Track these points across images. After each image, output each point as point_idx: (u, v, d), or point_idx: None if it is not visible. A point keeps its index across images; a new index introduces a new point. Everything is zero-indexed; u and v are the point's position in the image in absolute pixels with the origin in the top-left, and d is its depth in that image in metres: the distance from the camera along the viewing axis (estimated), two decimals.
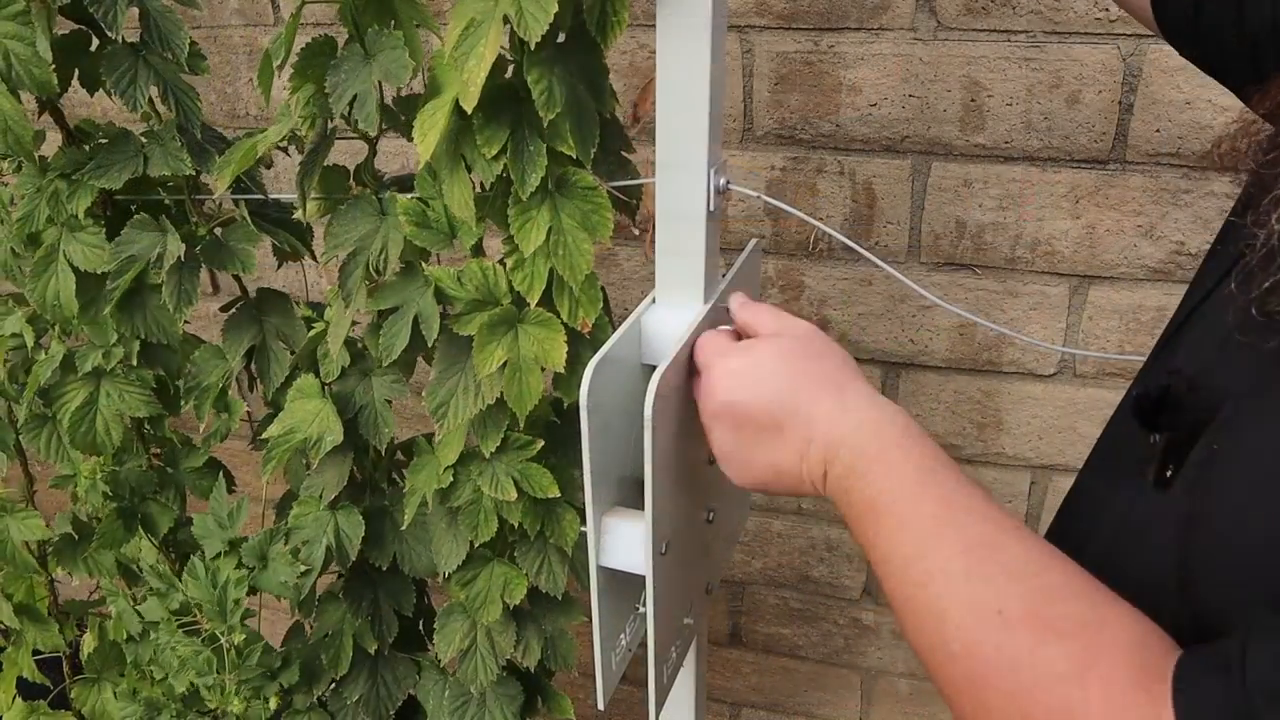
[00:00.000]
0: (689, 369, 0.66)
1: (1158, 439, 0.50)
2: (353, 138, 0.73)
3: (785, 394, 0.58)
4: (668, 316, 0.71)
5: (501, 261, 0.70)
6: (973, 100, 1.12)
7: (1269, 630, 0.38)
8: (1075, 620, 0.43)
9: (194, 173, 0.84)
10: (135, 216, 0.85)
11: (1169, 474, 0.49)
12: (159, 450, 1.05)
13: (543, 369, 0.72)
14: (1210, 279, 0.55)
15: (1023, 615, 0.44)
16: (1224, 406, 0.46)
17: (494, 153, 0.65)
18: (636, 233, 1.30)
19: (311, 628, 0.96)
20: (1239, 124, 0.52)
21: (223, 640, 0.88)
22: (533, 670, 0.89)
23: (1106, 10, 1.05)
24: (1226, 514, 0.43)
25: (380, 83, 0.68)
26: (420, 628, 1.00)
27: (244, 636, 0.88)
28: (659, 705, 0.72)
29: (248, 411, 1.01)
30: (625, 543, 0.68)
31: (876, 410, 0.56)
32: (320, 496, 0.88)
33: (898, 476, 0.52)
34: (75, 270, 0.86)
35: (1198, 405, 0.48)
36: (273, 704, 0.92)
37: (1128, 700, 0.40)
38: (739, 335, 0.67)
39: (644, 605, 0.70)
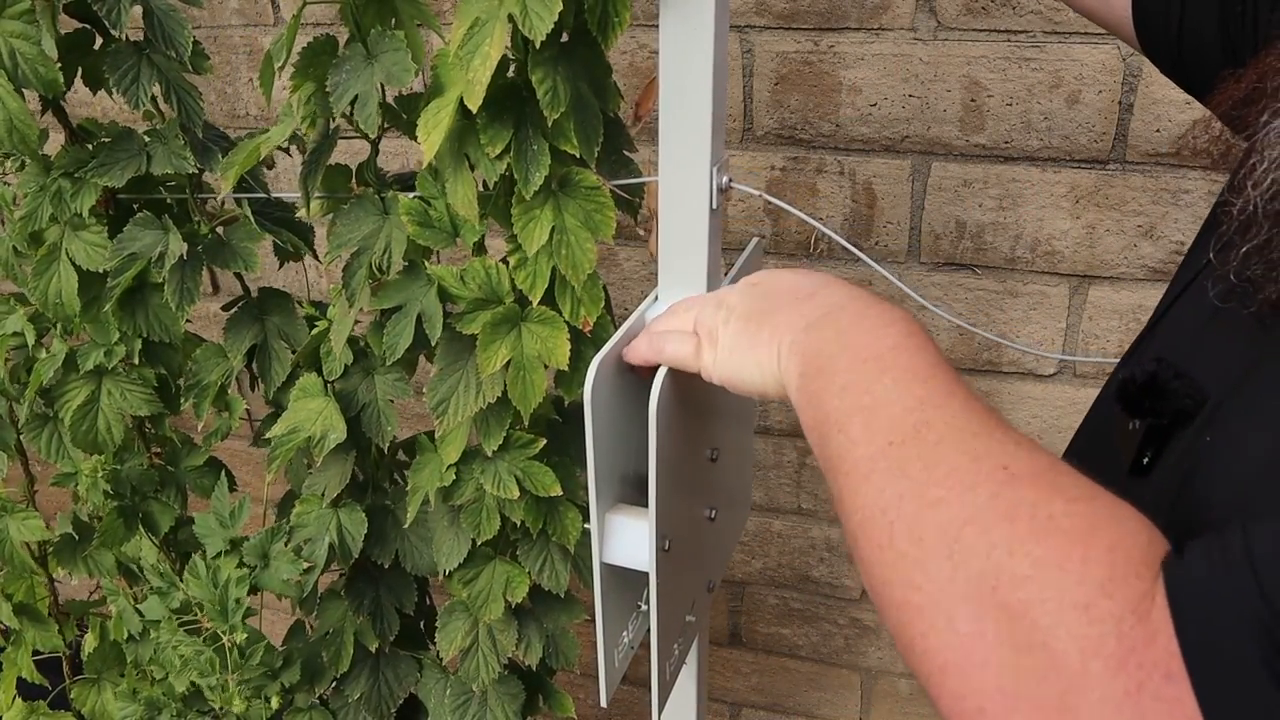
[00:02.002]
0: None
1: (1137, 425, 0.50)
2: (355, 137, 0.73)
3: (817, 278, 0.60)
4: None
5: (504, 260, 0.71)
6: (972, 100, 1.13)
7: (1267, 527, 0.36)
8: (1087, 491, 0.40)
9: (197, 171, 0.84)
10: (137, 215, 0.85)
11: (1146, 460, 0.49)
12: (160, 449, 1.05)
13: (546, 367, 0.72)
14: (1192, 269, 0.56)
15: (1030, 475, 0.41)
16: (1209, 394, 0.46)
17: (498, 151, 0.65)
18: (642, 233, 1.30)
19: (313, 626, 0.96)
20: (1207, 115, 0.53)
21: (224, 639, 0.88)
22: (534, 669, 0.89)
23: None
24: (1212, 502, 0.43)
25: (382, 84, 0.69)
26: (422, 626, 1.01)
27: (245, 636, 0.88)
28: (662, 701, 0.72)
29: (248, 410, 1.01)
30: (628, 539, 0.68)
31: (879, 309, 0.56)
32: (323, 495, 0.88)
33: (900, 343, 0.51)
34: (77, 269, 0.86)
35: (1181, 393, 0.48)
36: (274, 703, 0.92)
37: (1132, 569, 0.37)
38: None
39: (646, 602, 0.70)
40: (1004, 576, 0.38)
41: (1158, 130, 1.09)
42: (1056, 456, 0.43)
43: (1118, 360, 0.64)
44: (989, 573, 0.39)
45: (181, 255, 0.84)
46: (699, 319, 0.63)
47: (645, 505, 0.65)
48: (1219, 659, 0.34)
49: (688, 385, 0.66)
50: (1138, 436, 0.50)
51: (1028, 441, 0.43)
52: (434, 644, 0.91)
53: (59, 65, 0.78)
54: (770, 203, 0.75)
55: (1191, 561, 0.36)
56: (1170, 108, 1.08)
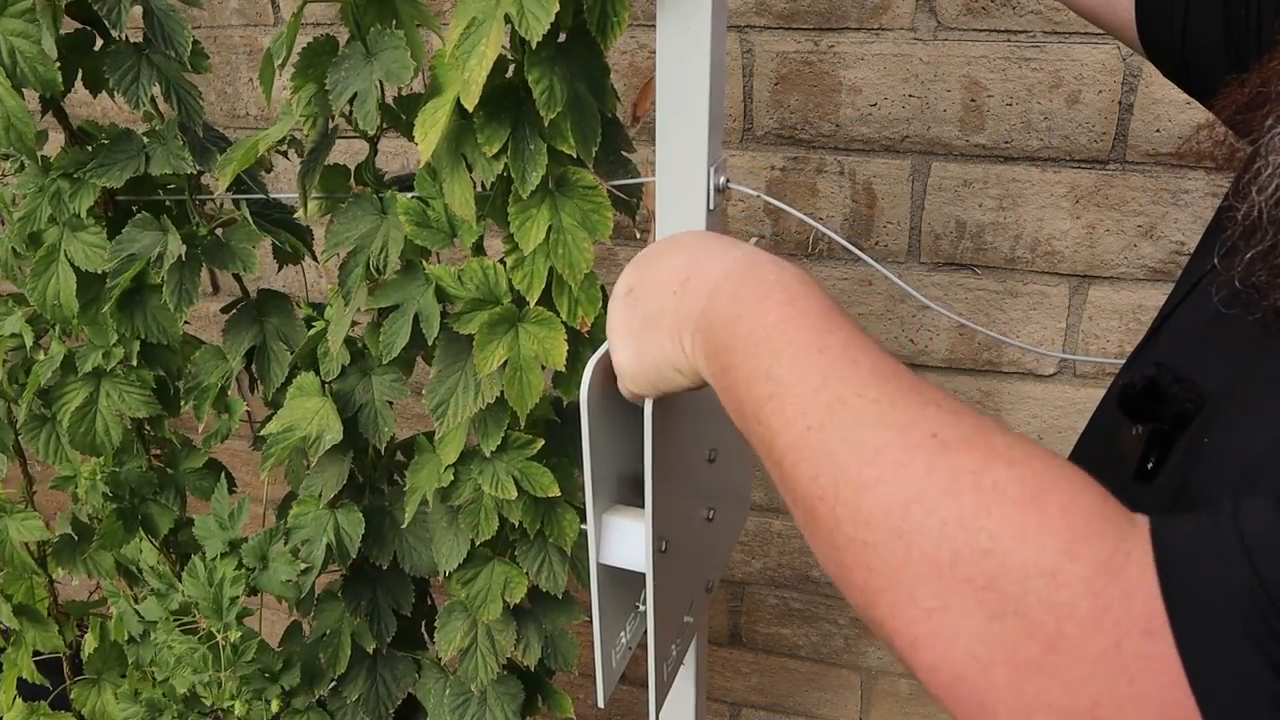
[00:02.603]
0: None
1: (1140, 430, 0.49)
2: (353, 137, 0.73)
3: (686, 256, 0.56)
4: None
5: (502, 260, 0.71)
6: (972, 100, 1.13)
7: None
8: (1024, 451, 0.39)
9: (196, 172, 0.84)
10: (136, 216, 0.85)
11: (1150, 465, 0.49)
12: (159, 451, 1.05)
13: (543, 368, 0.72)
14: (1195, 274, 0.56)
15: (962, 441, 0.39)
16: (1208, 397, 0.46)
17: (495, 151, 0.65)
18: (638, 235, 1.30)
19: (310, 627, 0.96)
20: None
21: (219, 638, 0.88)
22: (533, 669, 0.89)
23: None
24: (1209, 498, 0.43)
25: (381, 82, 0.69)
26: (421, 626, 1.01)
27: (240, 634, 0.88)
28: (659, 703, 0.72)
29: (248, 412, 1.01)
30: (625, 540, 0.68)
31: (764, 257, 0.53)
32: (320, 495, 0.88)
33: (794, 308, 0.48)
34: (76, 270, 0.86)
35: (1182, 397, 0.47)
36: (274, 706, 0.92)
37: (1092, 529, 0.36)
38: None
39: (644, 603, 0.70)
40: (962, 552, 0.37)
41: (1158, 130, 1.08)
42: (977, 413, 0.42)
43: (1118, 360, 0.64)
44: (945, 549, 0.38)
45: (180, 256, 0.84)
46: (611, 350, 0.62)
47: (643, 506, 0.65)
48: (1203, 617, 0.34)
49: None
50: (1141, 442, 0.49)
51: (947, 400, 0.42)
52: (433, 644, 0.91)
53: (58, 65, 0.78)
54: (768, 203, 0.75)
55: (1179, 524, 0.36)
56: (1170, 108, 1.07)
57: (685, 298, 0.54)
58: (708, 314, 0.52)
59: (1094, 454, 0.60)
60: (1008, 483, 0.38)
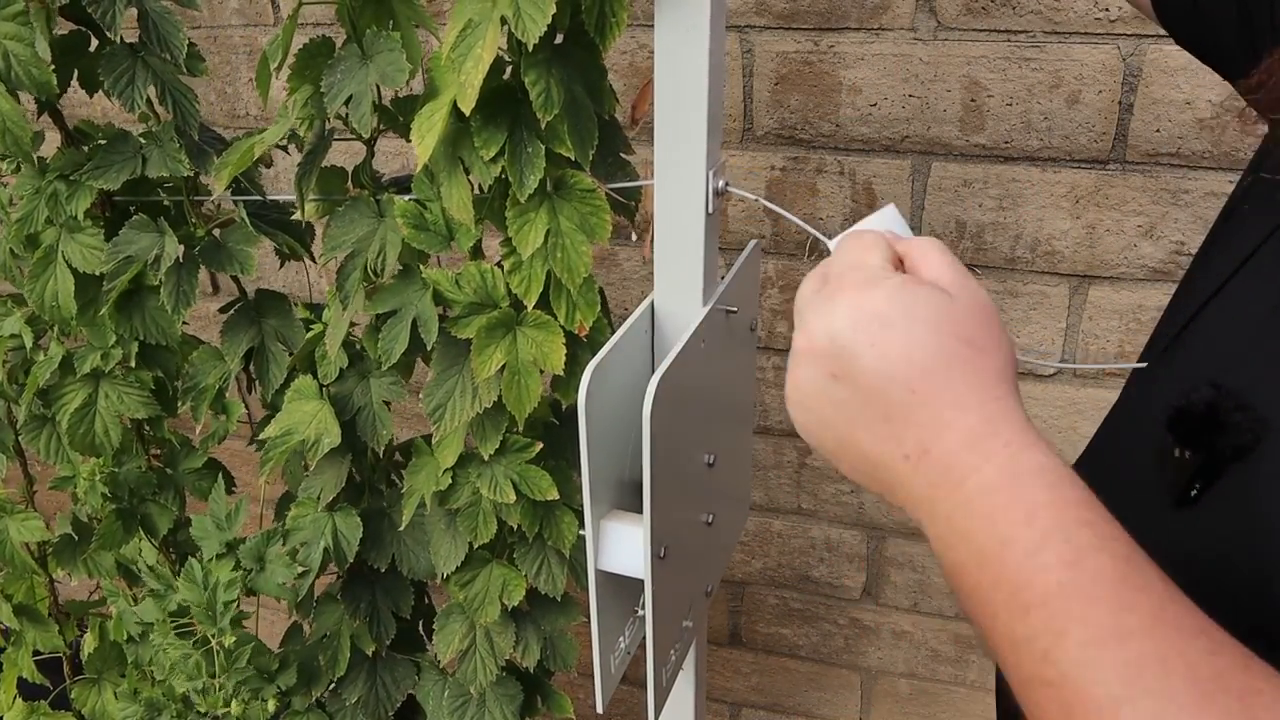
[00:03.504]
0: (688, 371, 0.66)
1: (1187, 455, 0.45)
2: (351, 139, 0.73)
3: (922, 374, 0.42)
4: (666, 319, 0.70)
5: (499, 264, 0.70)
6: (972, 100, 1.12)
7: None
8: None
9: (192, 174, 0.84)
10: (133, 217, 0.85)
11: (1193, 493, 0.45)
12: (158, 451, 1.05)
13: (541, 371, 0.72)
14: (1223, 267, 0.51)
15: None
16: (1272, 426, 0.42)
17: (492, 154, 0.65)
18: (634, 236, 1.30)
19: (310, 628, 0.96)
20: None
21: (213, 643, 0.87)
22: (532, 670, 0.89)
23: (1106, 10, 1.04)
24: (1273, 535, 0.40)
25: (377, 85, 0.68)
26: (420, 628, 1.00)
27: (234, 639, 0.88)
28: (658, 708, 0.72)
29: (247, 410, 1.01)
30: (624, 546, 0.68)
31: (1033, 454, 0.40)
32: (318, 498, 0.87)
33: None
34: (74, 271, 0.86)
35: (1245, 427, 0.43)
36: (271, 706, 0.92)
37: None
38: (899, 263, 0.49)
39: (643, 608, 0.70)
40: None
41: (1158, 130, 1.08)
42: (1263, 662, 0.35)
43: (1125, 366, 0.62)
44: None
45: (177, 258, 0.84)
46: (792, 386, 0.48)
47: (641, 511, 0.65)
48: None
49: (685, 390, 0.66)
50: (1189, 468, 0.45)
51: (1242, 651, 0.35)
52: (432, 646, 0.90)
53: (53, 68, 0.78)
54: (767, 207, 0.74)
55: None
56: (1170, 108, 1.07)
57: (920, 470, 0.42)
58: (953, 520, 0.41)
59: (1112, 471, 0.56)
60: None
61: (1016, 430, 0.40)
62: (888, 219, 0.53)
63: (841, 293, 0.45)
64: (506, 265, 0.69)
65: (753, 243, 0.80)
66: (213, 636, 0.86)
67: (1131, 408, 0.62)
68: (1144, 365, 0.59)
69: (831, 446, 0.46)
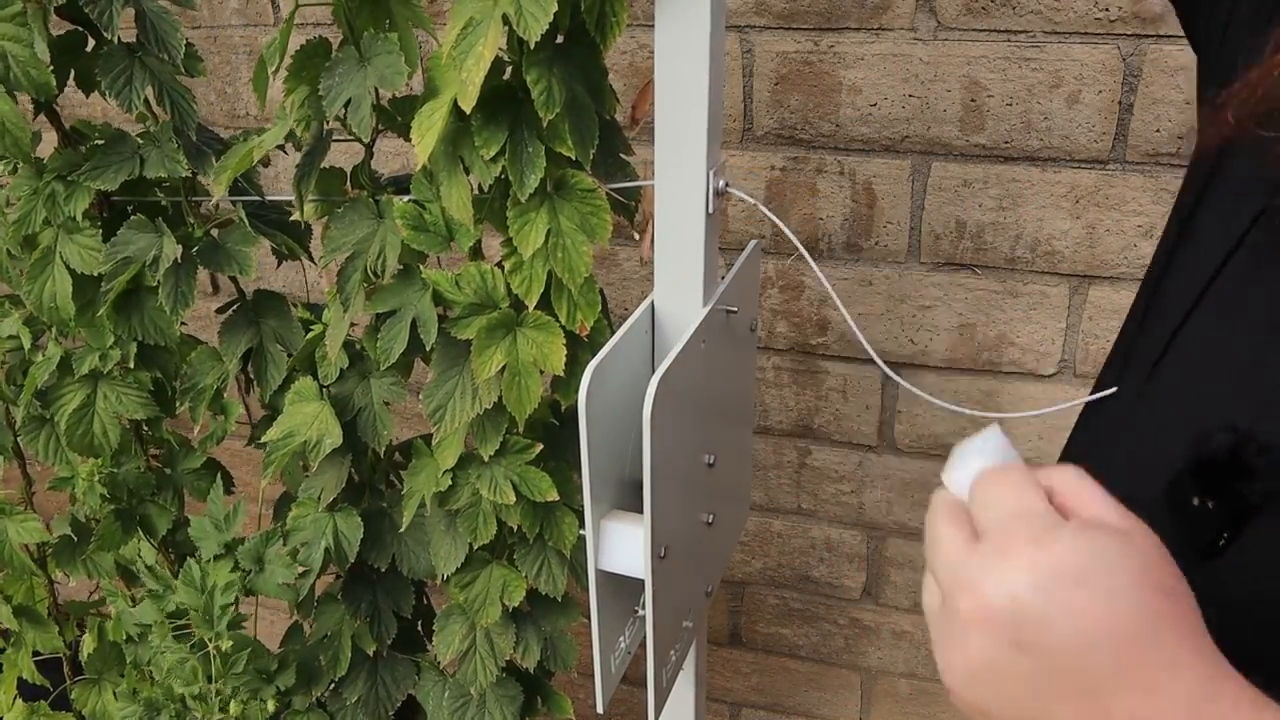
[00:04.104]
0: (688, 372, 0.66)
1: (1210, 505, 0.43)
2: (350, 140, 0.73)
3: (1127, 637, 0.37)
4: (666, 319, 0.70)
5: (499, 264, 0.70)
6: (972, 100, 1.12)
7: None
8: None
9: (190, 174, 0.84)
10: (131, 218, 0.85)
11: (1221, 543, 0.43)
12: (157, 452, 1.05)
13: (541, 372, 0.72)
14: (1194, 279, 0.49)
15: None
16: None
17: (492, 154, 0.65)
18: (636, 236, 1.30)
19: (311, 628, 0.96)
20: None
21: (210, 646, 0.87)
22: (532, 671, 0.89)
23: (1106, 10, 1.04)
24: None
25: (375, 87, 0.68)
26: (420, 629, 1.00)
27: (232, 643, 0.88)
28: (659, 708, 0.71)
29: (246, 409, 1.01)
30: (624, 546, 0.67)
31: (1267, 715, 0.36)
32: (319, 499, 0.87)
33: None
34: (72, 272, 0.86)
35: (1271, 473, 0.41)
36: (271, 706, 0.92)
37: None
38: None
39: (643, 608, 0.70)
40: None
41: (1158, 130, 1.08)
42: None
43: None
44: None
45: (176, 259, 0.84)
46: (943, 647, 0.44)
47: (642, 511, 0.65)
48: None
49: (685, 391, 0.66)
50: (1213, 518, 0.42)
51: None
52: (432, 647, 0.90)
53: (50, 68, 0.77)
54: (765, 210, 0.74)
55: None
56: (1170, 108, 1.07)
57: (1091, 712, 0.38)
58: None
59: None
60: None
61: (1238, 687, 0.37)
62: (998, 445, 0.44)
63: (1013, 546, 0.39)
64: (508, 265, 0.69)
65: (753, 243, 0.80)
66: (209, 640, 0.86)
67: (1124, 443, 0.56)
68: (1114, 390, 0.55)
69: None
